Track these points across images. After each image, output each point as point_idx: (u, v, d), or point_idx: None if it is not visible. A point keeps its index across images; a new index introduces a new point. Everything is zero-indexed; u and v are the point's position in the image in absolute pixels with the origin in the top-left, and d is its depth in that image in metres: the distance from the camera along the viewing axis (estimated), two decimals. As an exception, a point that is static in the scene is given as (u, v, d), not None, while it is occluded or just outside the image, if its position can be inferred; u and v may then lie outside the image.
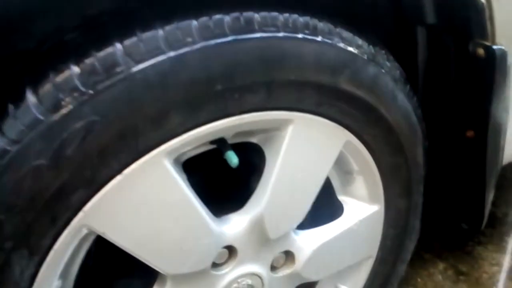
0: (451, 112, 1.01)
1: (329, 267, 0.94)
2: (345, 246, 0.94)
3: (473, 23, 0.88)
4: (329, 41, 0.71)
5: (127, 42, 0.59)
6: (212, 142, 0.75)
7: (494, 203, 1.56)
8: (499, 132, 1.00)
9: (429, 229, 1.16)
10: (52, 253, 0.63)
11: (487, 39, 0.89)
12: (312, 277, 0.93)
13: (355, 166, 0.90)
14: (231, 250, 0.80)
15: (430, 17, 0.94)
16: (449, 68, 0.97)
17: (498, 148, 1.02)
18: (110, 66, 0.58)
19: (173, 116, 0.63)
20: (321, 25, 0.71)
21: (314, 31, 0.70)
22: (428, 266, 1.45)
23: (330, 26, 0.72)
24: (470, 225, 1.14)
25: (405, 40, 1.00)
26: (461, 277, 1.42)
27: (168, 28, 0.60)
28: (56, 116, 0.56)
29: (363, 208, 0.94)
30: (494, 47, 0.88)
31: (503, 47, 0.89)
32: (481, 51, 0.90)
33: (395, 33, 1.01)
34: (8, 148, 0.56)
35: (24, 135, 0.56)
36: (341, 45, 0.73)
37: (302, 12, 0.70)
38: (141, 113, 0.60)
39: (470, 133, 1.00)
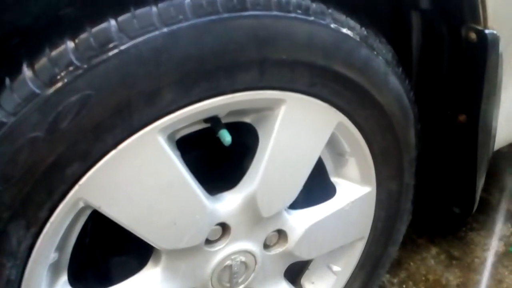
0: (444, 96, 1.02)
1: (321, 247, 0.96)
2: (337, 226, 0.96)
3: (465, 7, 0.89)
4: (322, 22, 0.72)
5: (121, 18, 0.60)
6: (205, 121, 0.76)
7: (487, 190, 1.59)
8: (490, 116, 1.01)
9: (422, 214, 1.18)
10: (48, 225, 0.65)
11: (479, 23, 0.90)
12: (304, 256, 0.95)
13: (347, 148, 0.91)
14: (224, 228, 0.82)
15: (424, 1, 0.95)
16: (442, 53, 0.98)
17: (490, 133, 1.04)
18: (104, 42, 0.59)
19: (166, 93, 0.64)
20: (313, 5, 0.72)
21: (307, 11, 0.71)
22: (421, 251, 1.47)
23: (323, 7, 0.73)
24: (461, 209, 1.16)
25: (400, 25, 1.00)
26: (454, 262, 1.44)
27: (161, 5, 0.61)
28: (51, 90, 0.58)
29: (355, 190, 0.95)
30: (486, 31, 0.89)
31: (495, 32, 0.90)
32: (473, 35, 0.90)
33: (390, 18, 1.02)
34: (5, 120, 0.58)
35: (21, 108, 0.58)
36: (334, 26, 0.74)
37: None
38: (135, 89, 0.61)
39: (462, 117, 1.01)
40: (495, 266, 1.42)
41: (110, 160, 0.65)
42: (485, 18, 0.88)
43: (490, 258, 1.44)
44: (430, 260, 1.45)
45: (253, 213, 0.82)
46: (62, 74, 0.58)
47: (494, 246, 1.47)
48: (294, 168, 0.83)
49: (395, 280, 1.39)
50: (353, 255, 1.05)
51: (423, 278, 1.40)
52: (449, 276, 1.40)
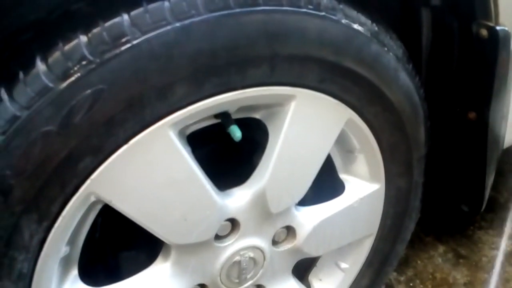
0: (454, 93, 1.02)
1: (330, 244, 0.96)
2: (346, 223, 0.96)
3: (476, 3, 0.89)
4: (333, 17, 0.72)
5: (134, 12, 0.60)
6: (216, 116, 0.77)
7: (495, 189, 1.58)
8: (500, 114, 1.00)
9: (430, 213, 1.18)
10: (60, 219, 0.65)
11: (490, 19, 0.89)
12: (312, 253, 0.95)
13: (356, 145, 0.91)
14: (234, 223, 0.82)
15: (435, -2, 0.95)
16: (452, 49, 0.98)
17: (500, 131, 1.03)
18: (117, 36, 0.59)
19: (178, 88, 0.64)
20: (324, 1, 0.72)
21: (318, 7, 0.70)
22: (428, 249, 1.46)
23: (334, 2, 0.73)
24: (470, 207, 1.15)
25: (410, 21, 1.00)
26: (461, 260, 1.44)
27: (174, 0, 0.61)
28: (64, 84, 0.58)
29: (364, 187, 0.95)
30: (498, 27, 0.88)
31: (506, 28, 0.89)
32: (484, 32, 0.90)
33: (401, 14, 1.02)
34: (19, 114, 0.58)
35: (34, 102, 0.58)
36: (344, 21, 0.74)
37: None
38: (147, 83, 0.62)
39: (471, 115, 1.01)
40: (503, 265, 1.42)
41: (122, 154, 0.65)
42: (496, 14, 0.88)
43: (497, 257, 1.43)
44: (438, 259, 1.44)
45: (262, 209, 0.82)
46: (75, 68, 0.58)
47: (502, 245, 1.47)
48: (303, 164, 0.82)
49: (402, 278, 1.39)
50: (361, 252, 1.04)
51: (430, 277, 1.39)
52: (456, 274, 1.40)
